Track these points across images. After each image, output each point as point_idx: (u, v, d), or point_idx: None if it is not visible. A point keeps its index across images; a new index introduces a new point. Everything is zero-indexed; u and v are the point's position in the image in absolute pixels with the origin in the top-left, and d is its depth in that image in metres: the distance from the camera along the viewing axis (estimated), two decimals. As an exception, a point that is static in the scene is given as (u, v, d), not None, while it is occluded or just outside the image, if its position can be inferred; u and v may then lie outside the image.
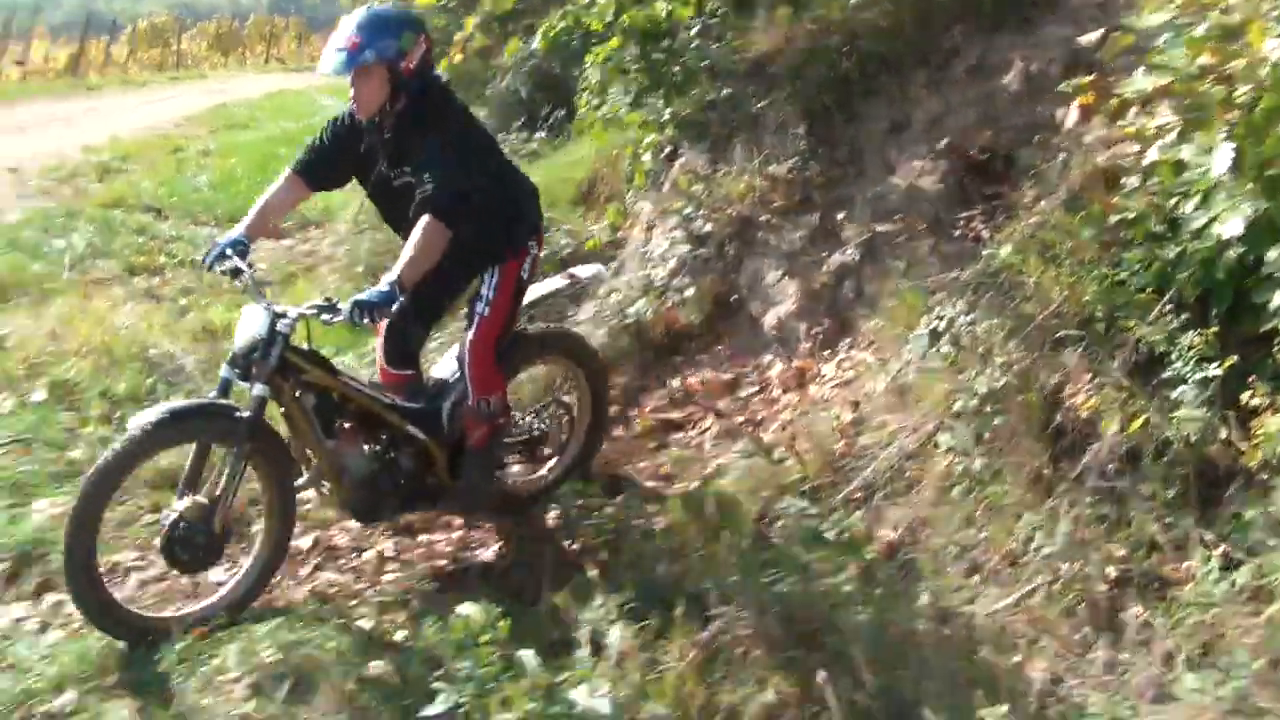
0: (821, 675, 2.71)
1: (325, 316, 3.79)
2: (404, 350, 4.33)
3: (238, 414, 3.76)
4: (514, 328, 4.40)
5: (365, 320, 3.75)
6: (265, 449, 3.89)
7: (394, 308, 3.82)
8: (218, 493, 3.77)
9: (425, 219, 3.88)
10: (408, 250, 3.88)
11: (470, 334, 4.25)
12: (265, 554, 3.97)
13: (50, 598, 3.95)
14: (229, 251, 4.05)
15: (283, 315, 3.80)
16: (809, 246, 5.20)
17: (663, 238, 5.95)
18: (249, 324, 3.83)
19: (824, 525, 3.79)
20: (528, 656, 2.94)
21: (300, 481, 4.09)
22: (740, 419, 4.65)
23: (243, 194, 11.25)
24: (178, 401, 4.31)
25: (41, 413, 5.32)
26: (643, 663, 3.00)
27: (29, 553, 4.16)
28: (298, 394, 3.95)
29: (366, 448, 4.17)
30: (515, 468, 4.74)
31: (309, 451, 4.05)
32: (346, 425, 4.10)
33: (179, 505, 3.77)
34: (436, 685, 2.98)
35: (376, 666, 3.42)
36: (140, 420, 3.74)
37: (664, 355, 5.27)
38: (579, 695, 2.82)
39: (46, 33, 27.94)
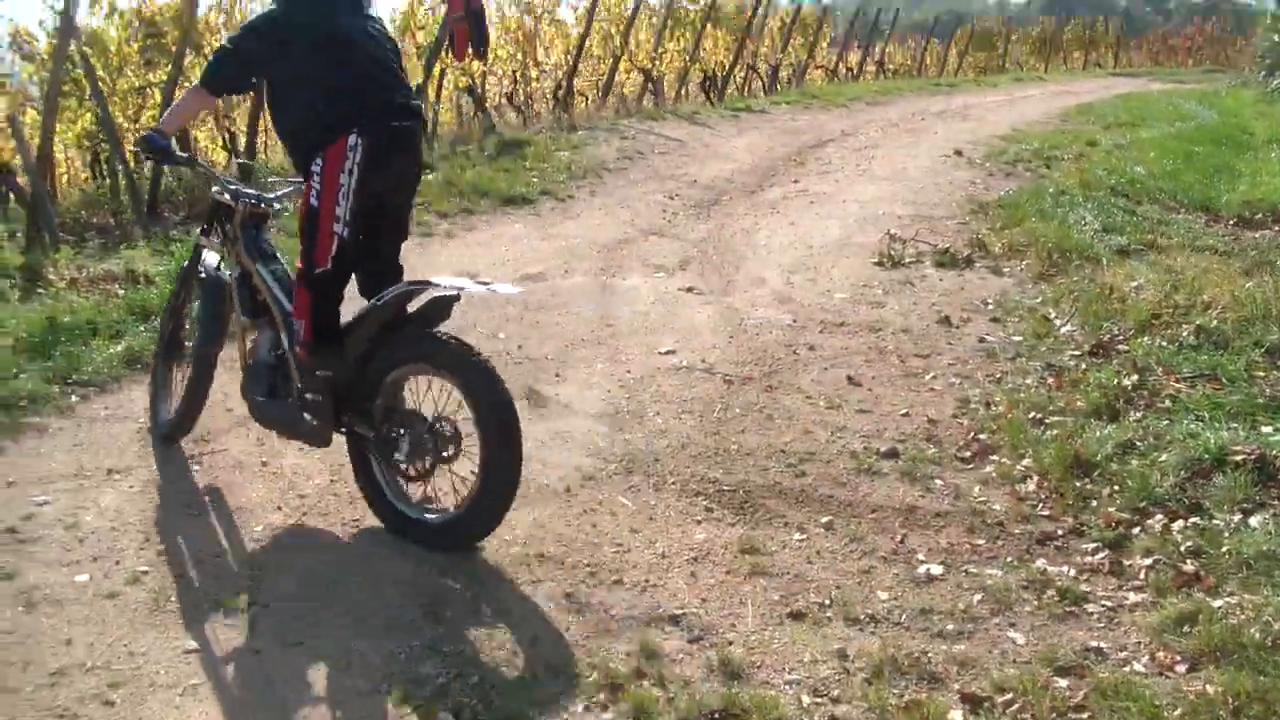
0: None
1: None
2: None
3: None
4: (327, 267, 4.24)
5: (145, 156, 4.60)
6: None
7: (155, 151, 4.41)
8: None
9: None
10: None
11: None
12: None
13: None
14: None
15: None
16: None
17: None
18: None
19: None
20: None
21: None
22: None
23: (1190, 185, 11.53)
24: None
25: (1205, 353, 5.93)
26: None
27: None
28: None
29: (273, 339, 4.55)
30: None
31: None
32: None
33: None
34: None
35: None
36: None
37: None
38: None
39: (895, 34, 30.22)
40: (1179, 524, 4.36)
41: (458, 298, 4.20)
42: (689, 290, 7.73)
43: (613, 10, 17.39)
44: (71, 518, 4.48)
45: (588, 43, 16.38)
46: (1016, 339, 6.64)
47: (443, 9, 13.05)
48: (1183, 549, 4.18)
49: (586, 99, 17.41)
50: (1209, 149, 14.44)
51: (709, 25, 19.58)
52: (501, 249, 8.70)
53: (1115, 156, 13.58)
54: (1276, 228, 10.55)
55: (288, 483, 4.84)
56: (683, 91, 19.81)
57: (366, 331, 4.24)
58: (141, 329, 6.37)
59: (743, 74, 21.67)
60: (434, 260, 8.33)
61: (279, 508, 4.62)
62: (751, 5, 21.58)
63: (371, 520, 4.47)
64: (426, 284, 4.14)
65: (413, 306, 4.27)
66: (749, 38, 21.03)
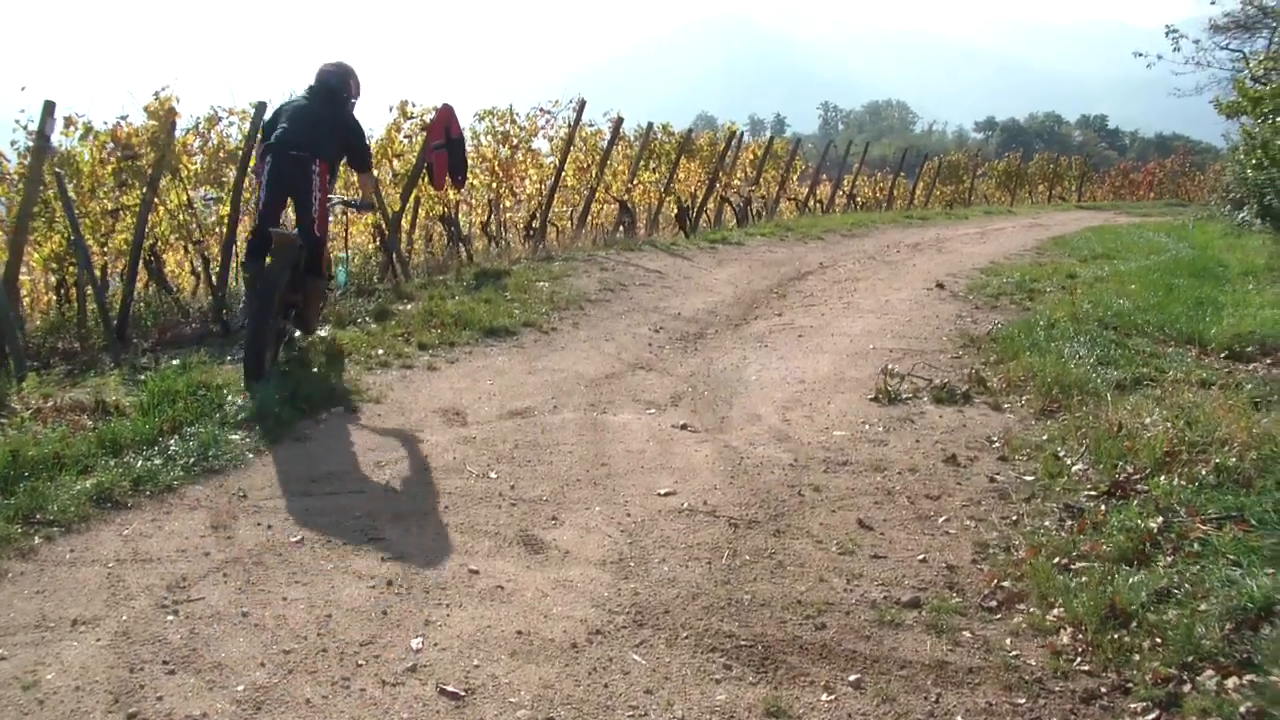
0: None
1: None
2: None
3: None
4: (255, 225, 8.64)
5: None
6: None
7: None
8: None
9: None
10: None
11: None
12: None
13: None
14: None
15: None
16: None
17: None
18: None
19: None
20: None
21: None
22: None
23: (1176, 317, 11.44)
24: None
25: (1229, 493, 5.71)
26: None
27: None
28: None
29: None
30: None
31: None
32: None
33: None
34: None
35: None
36: None
37: None
38: None
39: (863, 168, 30.59)
40: (1232, 681, 4.07)
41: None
42: (683, 427, 7.47)
43: (589, 141, 17.44)
44: (30, 675, 4.11)
45: (563, 173, 16.38)
46: (1028, 478, 6.41)
47: (421, 136, 13.00)
48: (1242, 710, 3.89)
49: (558, 229, 17.37)
50: (1189, 282, 14.45)
51: (683, 157, 19.70)
52: (486, 382, 8.45)
53: (1098, 289, 13.56)
54: (1268, 360, 10.44)
55: (270, 635, 4.49)
56: (656, 222, 19.84)
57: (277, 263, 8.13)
58: (112, 463, 6.02)
59: (715, 206, 21.78)
60: (418, 393, 8.06)
61: (262, 664, 4.26)
62: (725, 139, 21.80)
63: (363, 679, 4.13)
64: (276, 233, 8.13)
65: None
66: (722, 170, 21.18)
